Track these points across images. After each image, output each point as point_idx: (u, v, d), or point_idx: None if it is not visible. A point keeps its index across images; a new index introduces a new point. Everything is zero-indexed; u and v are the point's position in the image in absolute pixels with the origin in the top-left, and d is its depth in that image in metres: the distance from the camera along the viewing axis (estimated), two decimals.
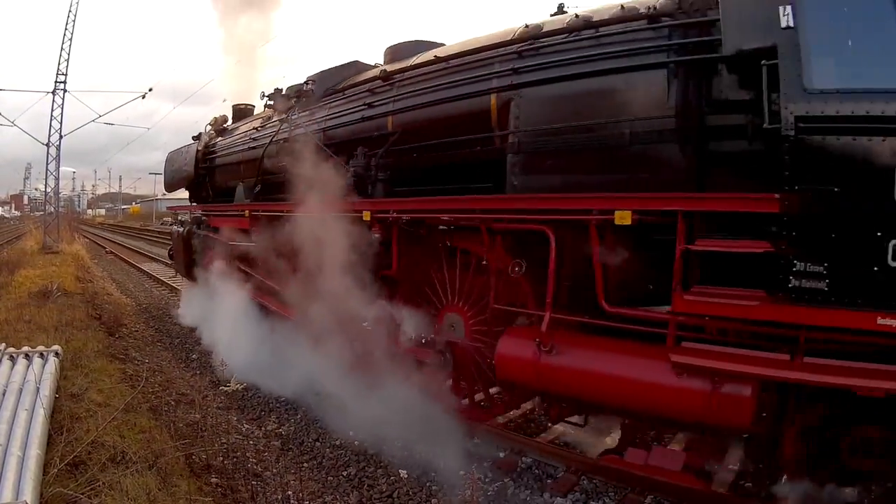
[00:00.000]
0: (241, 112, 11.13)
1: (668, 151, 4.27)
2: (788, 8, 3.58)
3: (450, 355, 5.63)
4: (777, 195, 3.50)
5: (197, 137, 11.56)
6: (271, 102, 8.80)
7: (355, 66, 7.81)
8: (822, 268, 3.41)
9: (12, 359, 5.89)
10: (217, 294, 8.86)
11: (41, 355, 6.13)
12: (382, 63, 7.35)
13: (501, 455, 5.22)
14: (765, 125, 3.64)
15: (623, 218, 4.10)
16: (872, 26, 3.43)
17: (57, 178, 25.95)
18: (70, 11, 23.46)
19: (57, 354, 6.32)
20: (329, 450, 5.49)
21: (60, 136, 24.19)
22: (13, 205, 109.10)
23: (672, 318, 4.01)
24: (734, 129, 4.03)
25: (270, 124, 8.66)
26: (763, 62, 3.65)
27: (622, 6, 4.72)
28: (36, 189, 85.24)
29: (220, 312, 8.63)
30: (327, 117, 7.22)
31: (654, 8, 4.49)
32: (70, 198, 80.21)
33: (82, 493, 3.68)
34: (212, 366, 7.77)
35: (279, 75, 32.97)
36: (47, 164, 24.96)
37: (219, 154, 10.56)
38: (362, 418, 5.55)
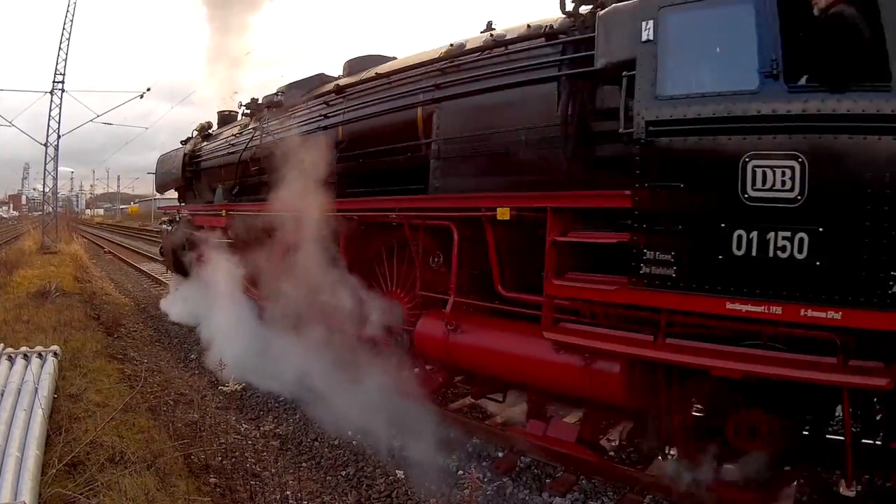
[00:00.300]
0: (225, 118, 11.66)
1: (556, 155, 4.72)
2: (650, 23, 3.92)
3: (406, 338, 6.04)
4: (628, 192, 3.91)
5: (185, 142, 12.16)
6: (248, 111, 9.65)
7: (320, 78, 8.37)
8: (670, 256, 3.75)
9: (10, 359, 5.87)
10: (202, 284, 9.52)
11: (39, 355, 6.12)
12: (342, 74, 7.97)
13: (500, 455, 5.23)
14: (620, 130, 4.02)
15: (503, 214, 4.70)
16: (719, 36, 3.71)
17: (55, 178, 25.98)
18: (68, 11, 23.45)
19: (55, 355, 6.32)
20: (327, 449, 5.50)
21: (58, 136, 24.16)
22: (11, 205, 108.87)
23: (545, 300, 4.48)
24: (614, 135, 4.23)
25: (246, 131, 9.33)
26: (624, 73, 4.02)
27: (528, 25, 5.24)
28: (34, 189, 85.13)
29: (203, 301, 9.35)
30: (292, 126, 7.86)
31: (552, 27, 4.97)
32: (68, 198, 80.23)
33: (81, 494, 3.67)
34: (208, 364, 7.76)
35: (277, 75, 33.15)
36: (45, 163, 24.95)
37: (203, 158, 11.23)
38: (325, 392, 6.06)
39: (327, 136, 6.93)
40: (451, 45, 5.84)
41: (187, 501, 3.89)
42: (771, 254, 3.42)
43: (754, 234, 3.46)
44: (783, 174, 3.38)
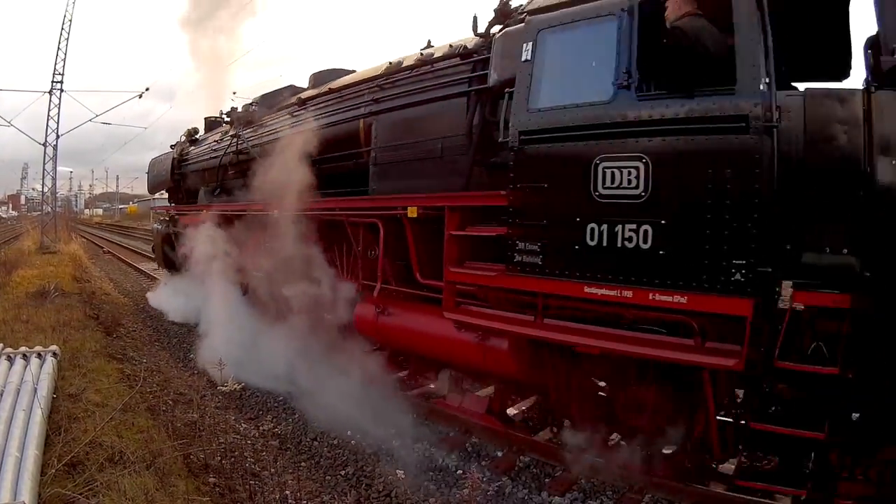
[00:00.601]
0: (211, 124, 12.41)
1: (464, 161, 5.24)
2: (530, 44, 4.45)
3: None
4: (503, 192, 4.50)
5: (174, 146, 13.11)
6: (227, 119, 10.54)
7: (291, 90, 9.10)
8: (537, 247, 4.29)
9: (10, 359, 5.88)
10: (188, 277, 10.41)
11: (39, 355, 6.13)
12: (309, 86, 8.71)
13: (499, 454, 5.24)
14: (500, 139, 4.63)
15: (412, 212, 5.36)
16: (583, 54, 4.19)
17: (54, 178, 26.04)
18: (67, 11, 23.44)
19: (55, 354, 6.32)
20: (327, 449, 5.50)
21: (57, 136, 24.21)
22: (10, 205, 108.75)
23: (445, 285, 5.10)
24: (505, 143, 4.67)
25: (226, 138, 10.14)
26: (507, 90, 4.61)
27: (450, 45, 5.85)
28: (33, 189, 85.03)
29: (188, 291, 10.45)
30: (262, 134, 8.68)
31: (466, 47, 5.51)
32: (67, 198, 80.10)
33: (80, 494, 3.67)
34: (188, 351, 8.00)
35: (276, 74, 33.31)
36: (44, 163, 25.00)
37: (189, 162, 12.11)
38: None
39: (302, 142, 7.46)
40: (390, 62, 6.56)
41: (187, 501, 3.90)
42: (619, 244, 3.86)
43: (604, 226, 3.93)
44: (629, 173, 3.82)
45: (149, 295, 12.80)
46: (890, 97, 3.30)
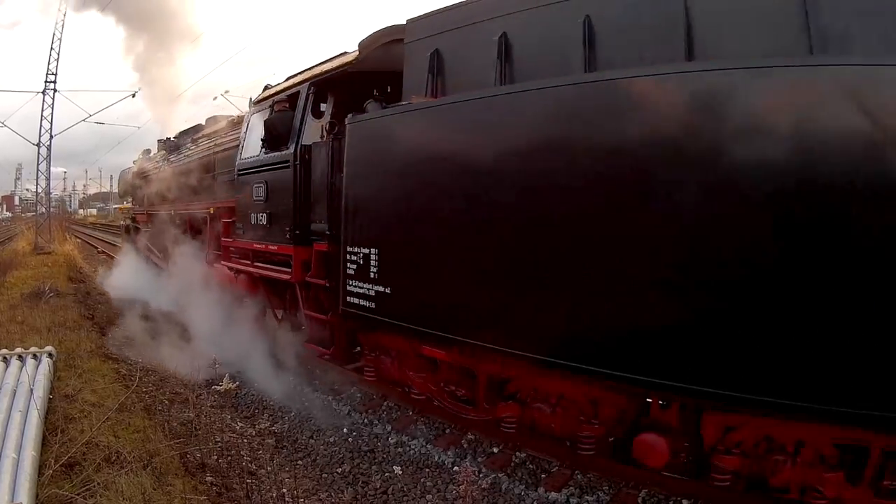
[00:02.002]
0: (163, 145, 14.91)
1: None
2: (248, 122, 8.09)
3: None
4: (234, 199, 8.23)
5: (135, 162, 16.61)
6: (163, 145, 14.38)
7: (200, 128, 12.47)
8: (240, 225, 7.84)
9: (5, 360, 5.86)
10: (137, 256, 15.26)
11: (34, 356, 6.11)
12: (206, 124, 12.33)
13: (495, 451, 5.26)
14: (235, 173, 8.11)
15: (211, 210, 9.45)
16: (256, 128, 7.60)
17: (48, 179, 25.80)
18: (59, 10, 23.29)
19: (50, 355, 6.30)
20: (323, 447, 5.52)
21: (51, 137, 24.00)
22: (4, 206, 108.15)
23: (222, 248, 8.59)
24: None
25: (161, 160, 13.92)
26: (239, 146, 8.16)
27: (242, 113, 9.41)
28: (27, 190, 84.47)
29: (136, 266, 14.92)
30: (175, 160, 12.65)
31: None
32: (61, 198, 79.78)
33: (78, 494, 3.68)
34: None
35: (270, 73, 33.29)
36: (38, 164, 24.78)
37: (142, 175, 15.48)
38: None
39: (187, 167, 11.21)
40: (229, 119, 10.30)
41: (184, 500, 3.91)
42: (259, 223, 7.28)
43: (256, 215, 7.34)
44: (261, 189, 7.20)
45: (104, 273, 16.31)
46: (346, 138, 5.73)
